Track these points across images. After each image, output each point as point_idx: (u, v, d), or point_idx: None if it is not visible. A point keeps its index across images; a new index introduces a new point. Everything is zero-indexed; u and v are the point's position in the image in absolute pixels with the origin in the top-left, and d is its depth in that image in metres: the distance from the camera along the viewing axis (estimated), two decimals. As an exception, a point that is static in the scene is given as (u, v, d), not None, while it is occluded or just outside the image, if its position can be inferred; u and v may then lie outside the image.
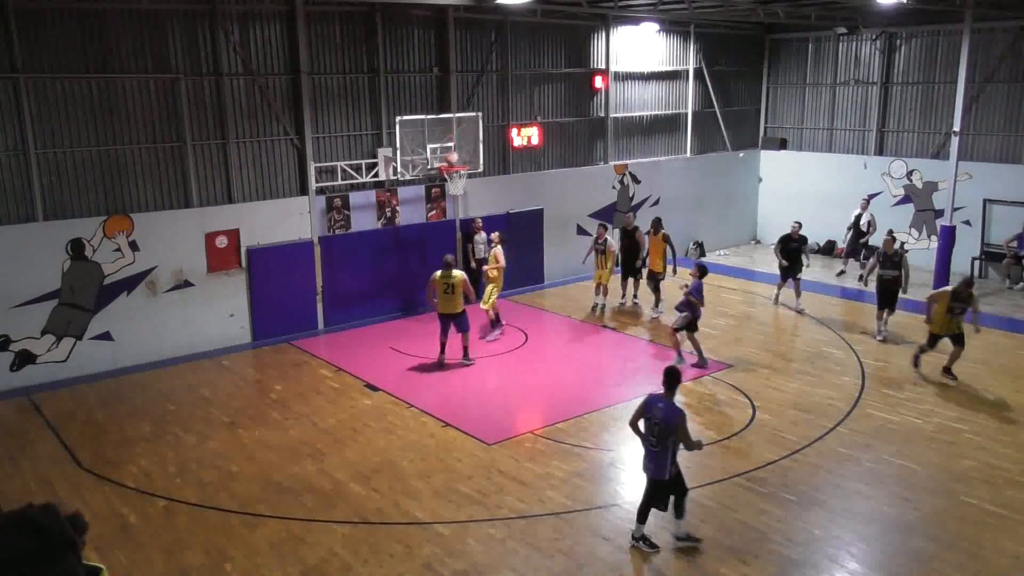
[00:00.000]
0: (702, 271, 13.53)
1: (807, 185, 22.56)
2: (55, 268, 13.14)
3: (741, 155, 23.38)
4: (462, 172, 16.07)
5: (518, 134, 18.30)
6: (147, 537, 8.58)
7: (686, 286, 13.44)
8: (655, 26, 20.31)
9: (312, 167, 15.41)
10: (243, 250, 14.91)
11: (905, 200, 21.05)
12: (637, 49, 20.39)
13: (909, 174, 20.93)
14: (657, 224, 16.75)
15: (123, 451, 10.69)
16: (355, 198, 16.10)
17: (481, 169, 16.93)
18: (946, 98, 19.73)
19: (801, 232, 16.67)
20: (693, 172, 22.12)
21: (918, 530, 8.53)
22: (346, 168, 15.73)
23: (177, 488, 9.65)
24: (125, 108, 13.58)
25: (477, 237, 16.91)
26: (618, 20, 19.57)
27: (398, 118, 15.47)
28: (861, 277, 18.16)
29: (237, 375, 13.62)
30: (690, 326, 13.38)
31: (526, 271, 18.61)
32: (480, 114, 16.82)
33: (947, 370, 12.74)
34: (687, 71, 21.62)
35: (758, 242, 24.02)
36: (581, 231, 19.62)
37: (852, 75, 21.90)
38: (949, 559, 7.99)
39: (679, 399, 8.10)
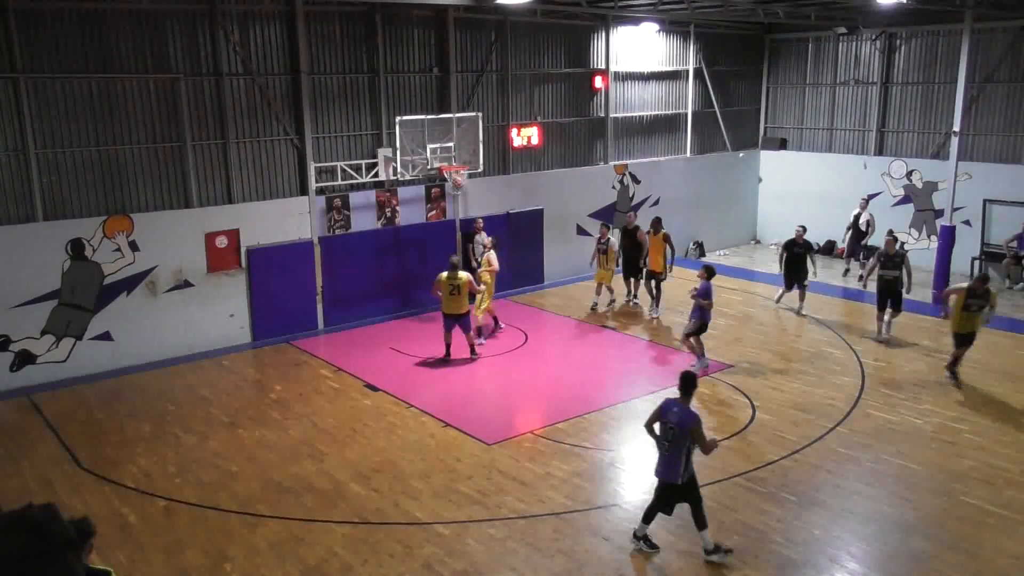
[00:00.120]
0: (710, 272, 13.21)
1: (807, 185, 22.56)
2: (55, 268, 13.13)
3: (741, 155, 23.38)
4: (463, 172, 16.09)
5: (518, 134, 18.29)
6: (147, 537, 8.58)
7: (694, 290, 13.14)
8: (655, 26, 20.31)
9: (312, 167, 15.41)
10: (243, 250, 14.90)
11: (905, 200, 21.05)
12: (637, 49, 20.39)
13: (909, 174, 20.93)
14: (657, 224, 16.73)
15: (123, 451, 10.69)
16: (355, 198, 16.09)
17: (481, 169, 16.93)
18: (946, 98, 19.72)
19: (805, 237, 16.47)
20: (693, 172, 22.11)
21: (918, 530, 8.53)
22: (346, 168, 15.73)
23: (177, 488, 9.65)
24: (125, 108, 13.58)
25: (478, 238, 16.86)
26: (618, 20, 19.57)
27: (398, 118, 15.46)
28: (861, 278, 18.13)
29: (237, 375, 13.62)
30: (699, 329, 13.24)
31: (526, 271, 18.62)
32: (480, 114, 16.80)
33: (949, 368, 12.75)
34: (687, 71, 21.62)
35: (758, 242, 24.02)
36: (581, 231, 19.62)
37: (852, 75, 21.89)
38: (949, 559, 7.99)
39: (693, 404, 8.06)
